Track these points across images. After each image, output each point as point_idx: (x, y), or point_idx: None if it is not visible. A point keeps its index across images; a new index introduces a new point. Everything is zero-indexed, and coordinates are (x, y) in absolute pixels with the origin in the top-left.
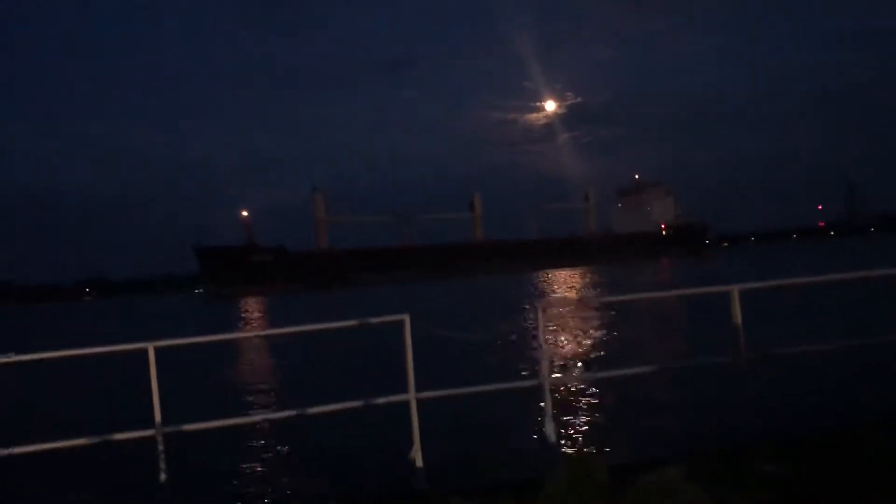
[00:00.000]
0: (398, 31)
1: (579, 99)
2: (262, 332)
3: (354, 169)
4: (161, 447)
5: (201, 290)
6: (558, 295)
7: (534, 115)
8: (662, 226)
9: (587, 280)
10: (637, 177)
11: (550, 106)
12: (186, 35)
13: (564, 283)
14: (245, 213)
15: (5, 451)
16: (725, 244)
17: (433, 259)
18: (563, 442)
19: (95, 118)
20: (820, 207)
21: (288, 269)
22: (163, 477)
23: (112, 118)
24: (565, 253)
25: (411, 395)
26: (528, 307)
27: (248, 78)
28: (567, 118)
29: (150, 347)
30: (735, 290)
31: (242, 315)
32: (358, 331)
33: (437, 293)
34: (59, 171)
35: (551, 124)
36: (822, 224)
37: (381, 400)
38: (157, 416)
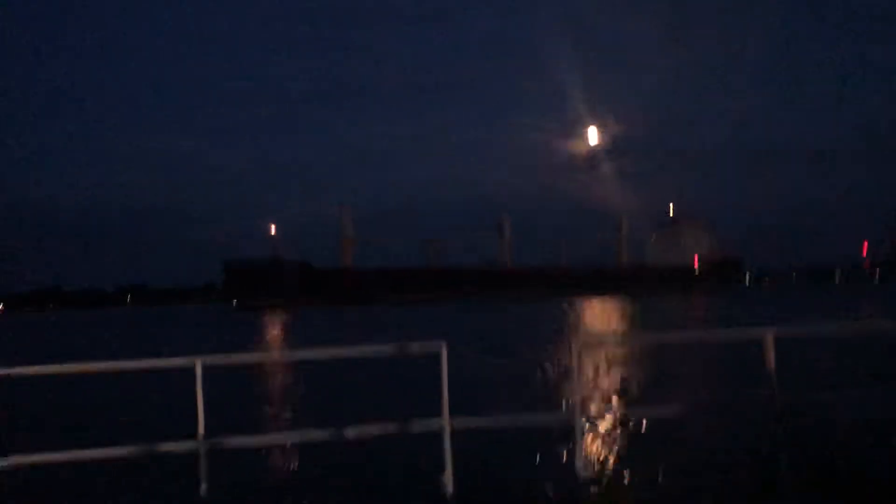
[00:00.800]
0: (441, 54)
1: (623, 128)
2: (303, 353)
3: (388, 188)
4: (203, 460)
5: (235, 303)
6: (594, 328)
7: (575, 143)
8: (696, 259)
9: (621, 312)
10: (672, 209)
11: (593, 133)
12: (229, 51)
13: (598, 314)
14: (273, 228)
15: (47, 457)
16: (767, 279)
17: (459, 282)
18: (592, 477)
19: (137, 131)
20: (865, 245)
21: (312, 285)
22: (203, 488)
23: (154, 131)
24: (595, 282)
25: (445, 422)
26: (564, 338)
27: (289, 95)
28: (609, 147)
29: (198, 362)
30: (770, 335)
31: (266, 330)
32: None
33: (464, 318)
34: (99, 181)
35: (593, 152)
36: (867, 264)
37: (417, 425)
38: (201, 429)
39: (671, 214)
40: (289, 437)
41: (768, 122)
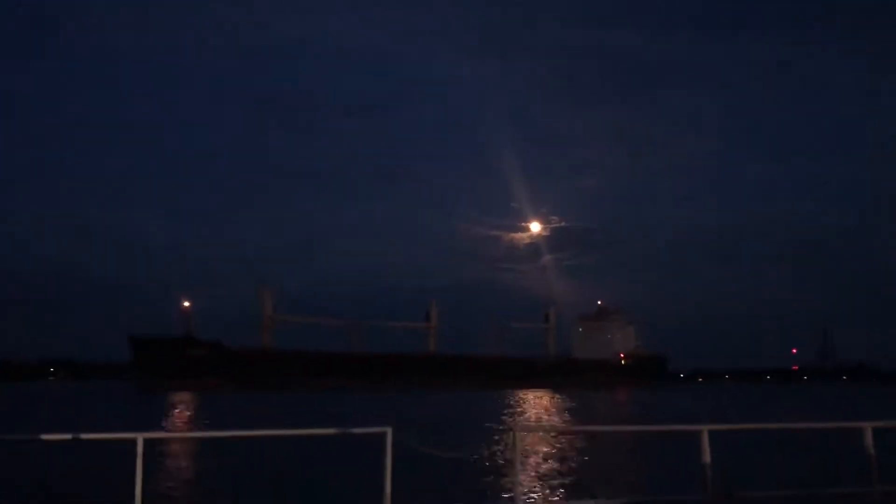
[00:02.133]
0: (388, 142)
1: (563, 223)
2: (244, 432)
3: (327, 272)
4: None
5: (133, 379)
6: (530, 418)
7: (518, 235)
8: (622, 355)
9: (551, 404)
10: (600, 303)
11: (535, 227)
12: (175, 129)
13: (525, 405)
14: (186, 304)
15: None
16: (700, 379)
17: (381, 368)
18: None
19: (71, 196)
20: (794, 351)
21: (224, 365)
22: None
23: (88, 198)
24: (521, 373)
25: None
26: (499, 427)
27: (234, 173)
28: (550, 241)
29: (140, 438)
30: (705, 430)
31: (171, 410)
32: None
33: (385, 405)
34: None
35: (534, 245)
36: (796, 367)
37: None
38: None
39: (598, 308)
40: None
41: (706, 228)
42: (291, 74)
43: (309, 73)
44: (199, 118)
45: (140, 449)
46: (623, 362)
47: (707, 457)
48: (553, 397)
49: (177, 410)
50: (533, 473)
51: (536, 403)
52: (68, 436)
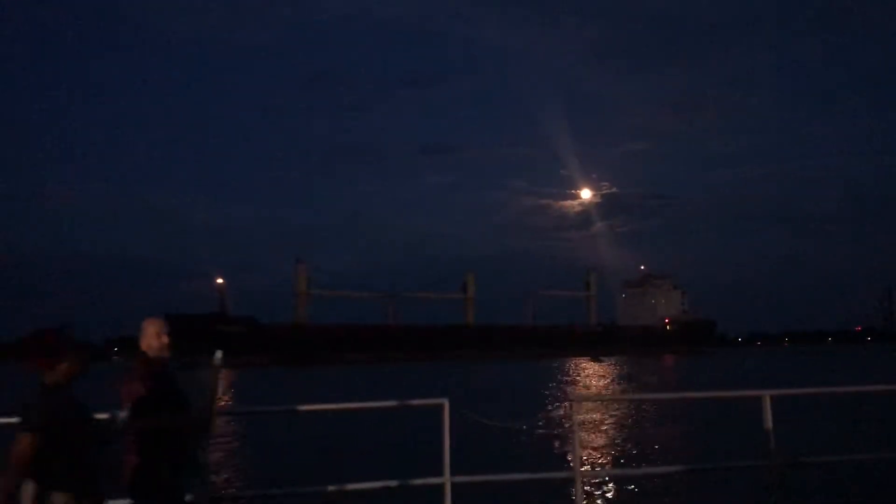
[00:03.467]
0: (436, 115)
1: (614, 189)
2: (301, 406)
3: (372, 248)
4: None
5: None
6: (586, 386)
7: (568, 203)
8: (667, 320)
9: (599, 372)
10: (643, 268)
11: (586, 194)
12: (219, 114)
13: (574, 373)
14: (220, 281)
15: None
16: (759, 343)
17: (418, 340)
18: None
19: (121, 179)
20: (859, 329)
21: (259, 342)
22: None
23: (125, 182)
24: (561, 342)
25: (446, 479)
26: (552, 397)
27: (286, 153)
28: (601, 207)
29: None
30: (767, 395)
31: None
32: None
33: (426, 377)
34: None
35: (585, 212)
36: (859, 329)
37: (418, 481)
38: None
39: (642, 273)
40: (285, 491)
41: (763, 189)
42: (337, 50)
43: (355, 48)
44: (244, 96)
45: None
46: (668, 328)
47: (769, 423)
48: (599, 365)
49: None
50: (591, 442)
51: (584, 372)
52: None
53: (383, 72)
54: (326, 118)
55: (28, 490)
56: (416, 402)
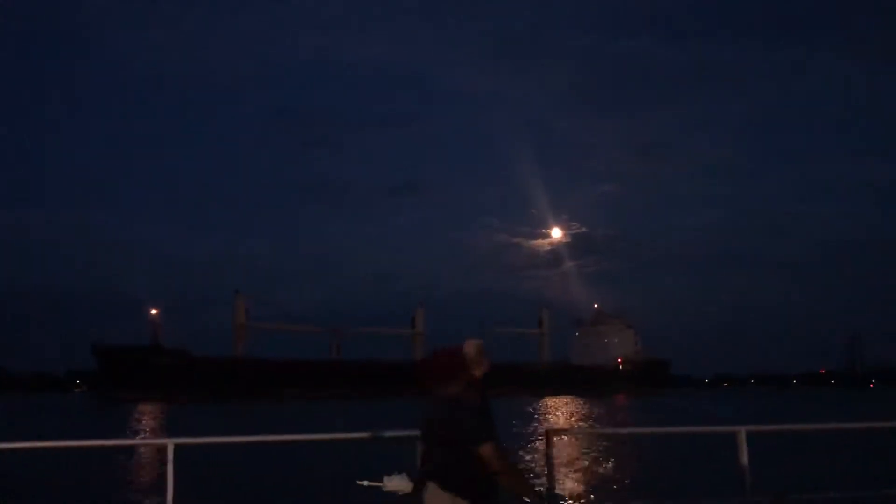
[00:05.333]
0: (404, 155)
1: (584, 229)
2: (271, 437)
3: (338, 285)
4: None
5: (84, 390)
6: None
7: (538, 242)
8: (619, 360)
9: (552, 409)
10: (596, 306)
11: (556, 233)
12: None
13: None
14: (154, 312)
15: None
16: (725, 384)
17: (360, 376)
18: None
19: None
20: (823, 371)
21: (192, 375)
22: None
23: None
24: (509, 379)
25: None
26: (522, 432)
27: (249, 188)
28: (571, 247)
29: (170, 444)
30: (742, 431)
31: (135, 423)
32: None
33: (375, 412)
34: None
35: (555, 251)
36: (823, 371)
37: None
38: None
39: (595, 312)
40: None
41: (727, 235)
42: (306, 89)
43: (325, 88)
44: (213, 131)
45: (170, 455)
46: (621, 367)
47: (745, 458)
48: (547, 403)
49: (143, 422)
50: (567, 475)
51: (538, 409)
52: (97, 442)
53: (353, 112)
54: (293, 155)
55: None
56: (389, 433)
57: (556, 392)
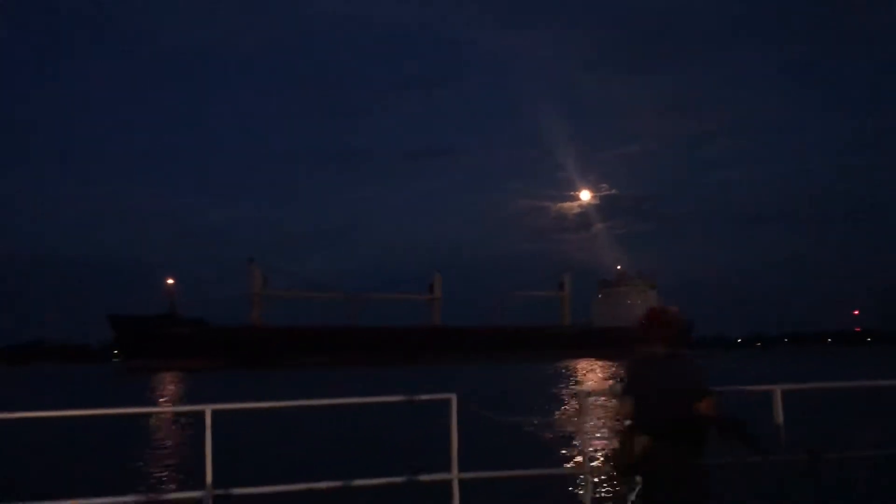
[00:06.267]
0: (432, 119)
1: (613, 191)
2: (309, 401)
3: (368, 251)
4: None
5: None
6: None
7: (567, 205)
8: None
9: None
10: (619, 268)
11: (585, 196)
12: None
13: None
14: (170, 282)
15: None
16: (759, 344)
17: (378, 342)
18: None
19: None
20: (856, 312)
21: (209, 344)
22: None
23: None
24: (530, 343)
25: (454, 475)
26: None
27: (277, 156)
28: (600, 209)
29: (208, 410)
30: (778, 390)
31: (158, 392)
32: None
33: (398, 379)
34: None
35: (584, 213)
36: (858, 329)
37: (425, 477)
38: (209, 478)
39: (617, 273)
40: (296, 487)
41: (758, 190)
42: (332, 54)
43: (350, 52)
44: (238, 99)
45: (208, 421)
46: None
47: (781, 417)
48: (576, 365)
49: (162, 392)
50: (599, 437)
51: (565, 371)
52: (138, 409)
53: (379, 75)
54: (319, 121)
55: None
56: (424, 396)
57: (579, 355)
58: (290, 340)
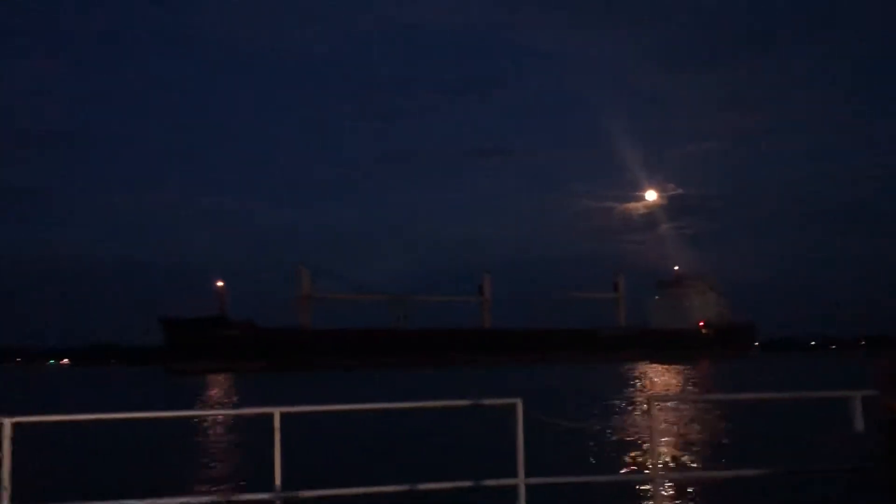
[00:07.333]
0: (492, 120)
1: (680, 190)
2: (375, 406)
3: (426, 253)
4: None
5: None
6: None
7: (632, 205)
8: (702, 323)
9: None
10: (677, 268)
11: (651, 196)
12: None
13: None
14: (220, 284)
15: None
16: (833, 347)
17: (427, 345)
18: None
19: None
20: None
21: (257, 345)
22: None
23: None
24: (581, 345)
25: (521, 480)
26: (634, 398)
27: (340, 157)
28: (666, 209)
29: (276, 413)
30: (858, 396)
31: (210, 394)
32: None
33: (452, 382)
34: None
35: (651, 211)
36: None
37: (491, 482)
38: (278, 480)
39: (675, 274)
40: (363, 490)
41: (829, 188)
42: (391, 58)
43: (409, 56)
44: (297, 103)
45: (277, 423)
46: (703, 331)
47: (861, 425)
48: (642, 370)
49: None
50: (668, 443)
51: (626, 375)
52: (203, 413)
53: (436, 77)
54: (376, 123)
55: None
56: (488, 401)
57: (634, 357)
58: (337, 343)
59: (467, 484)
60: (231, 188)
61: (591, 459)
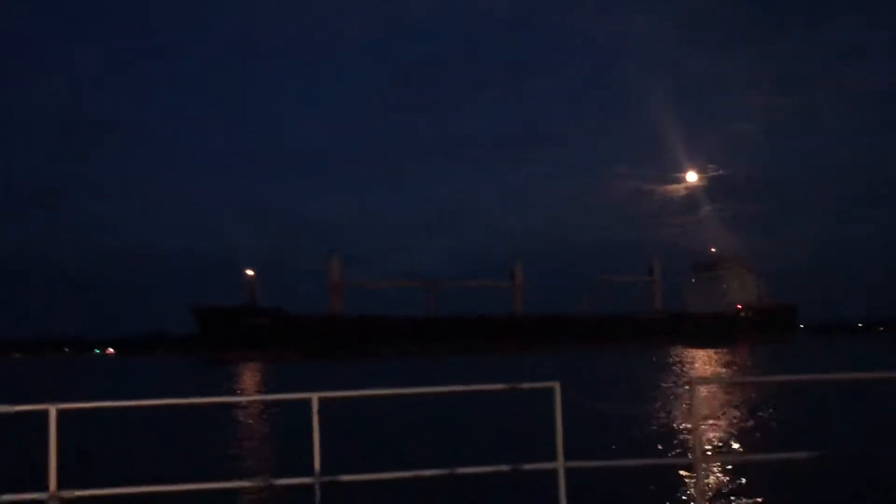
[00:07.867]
0: (530, 105)
1: (721, 172)
2: (412, 390)
3: (469, 237)
4: (318, 496)
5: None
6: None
7: (672, 187)
8: (739, 307)
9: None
10: (713, 250)
11: (692, 177)
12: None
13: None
14: (250, 273)
15: (171, 488)
16: (881, 329)
17: (458, 332)
18: None
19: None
20: None
21: (288, 334)
22: None
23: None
24: (618, 330)
25: (560, 464)
26: (678, 383)
27: (378, 148)
28: (707, 191)
29: (315, 398)
30: None
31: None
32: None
33: (488, 369)
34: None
35: (693, 193)
36: None
37: (529, 466)
38: (317, 465)
39: (712, 256)
40: (402, 474)
41: (874, 168)
42: (433, 43)
43: (451, 41)
44: (338, 91)
45: (315, 407)
46: (741, 315)
47: None
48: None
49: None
50: (709, 427)
51: (667, 360)
52: (245, 398)
53: (479, 64)
54: (420, 111)
55: None
56: (526, 385)
57: (671, 342)
58: (368, 330)
59: (506, 468)
60: (273, 176)
61: (631, 444)
